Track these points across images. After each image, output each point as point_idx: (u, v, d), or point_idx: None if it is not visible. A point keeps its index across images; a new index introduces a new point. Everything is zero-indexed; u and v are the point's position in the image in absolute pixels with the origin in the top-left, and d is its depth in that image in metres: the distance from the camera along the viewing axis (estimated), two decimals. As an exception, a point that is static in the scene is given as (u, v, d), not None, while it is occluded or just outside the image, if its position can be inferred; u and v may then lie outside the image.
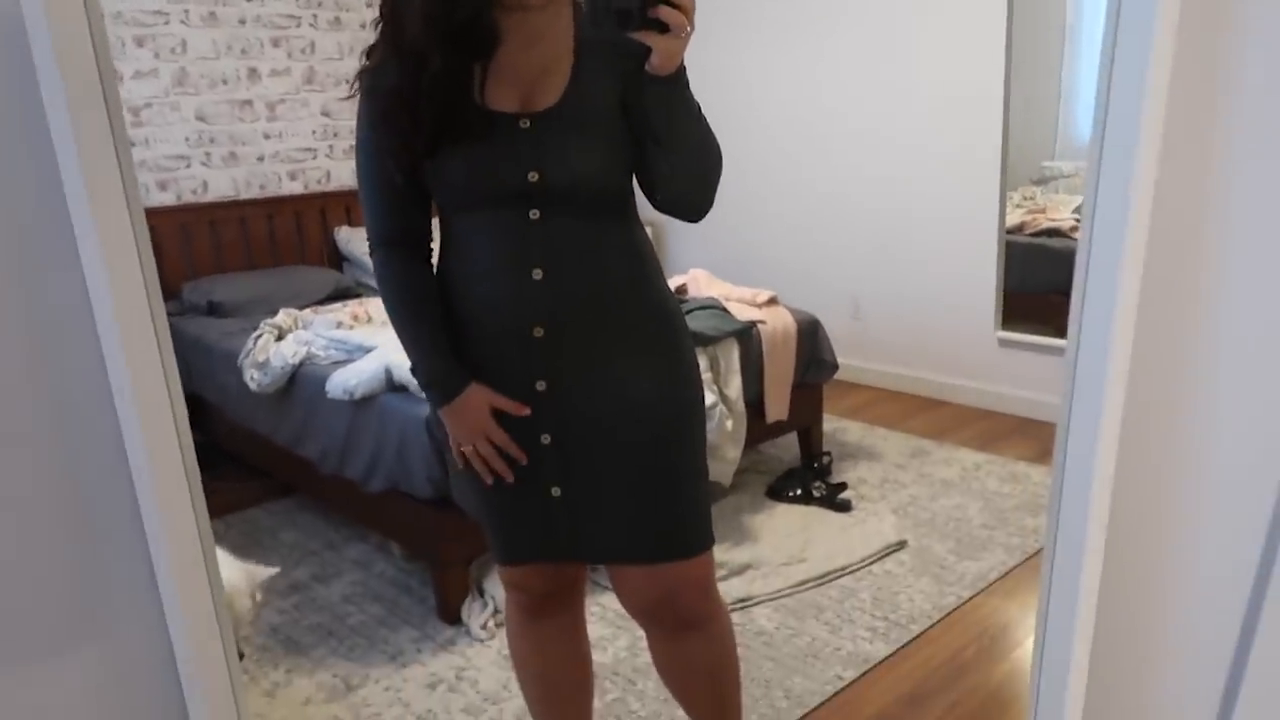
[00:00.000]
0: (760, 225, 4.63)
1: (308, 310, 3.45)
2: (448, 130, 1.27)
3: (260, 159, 4.18)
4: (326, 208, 4.37)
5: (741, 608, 2.50)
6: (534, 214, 1.29)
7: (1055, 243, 3.93)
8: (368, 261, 1.45)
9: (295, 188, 4.32)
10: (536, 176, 1.27)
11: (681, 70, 1.22)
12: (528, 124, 1.28)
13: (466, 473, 1.44)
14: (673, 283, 3.31)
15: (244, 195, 4.15)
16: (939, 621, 2.42)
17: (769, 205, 4.57)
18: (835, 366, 3.37)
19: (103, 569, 1.20)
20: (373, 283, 1.45)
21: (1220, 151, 0.78)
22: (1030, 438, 3.66)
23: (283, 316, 3.22)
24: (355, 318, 3.33)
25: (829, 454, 3.44)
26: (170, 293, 3.58)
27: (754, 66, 4.45)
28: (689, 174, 1.31)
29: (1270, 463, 0.80)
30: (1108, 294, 0.77)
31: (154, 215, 3.52)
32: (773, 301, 3.28)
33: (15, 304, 1.09)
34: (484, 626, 2.44)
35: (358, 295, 3.92)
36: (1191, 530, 0.85)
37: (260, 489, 3.42)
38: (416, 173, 1.32)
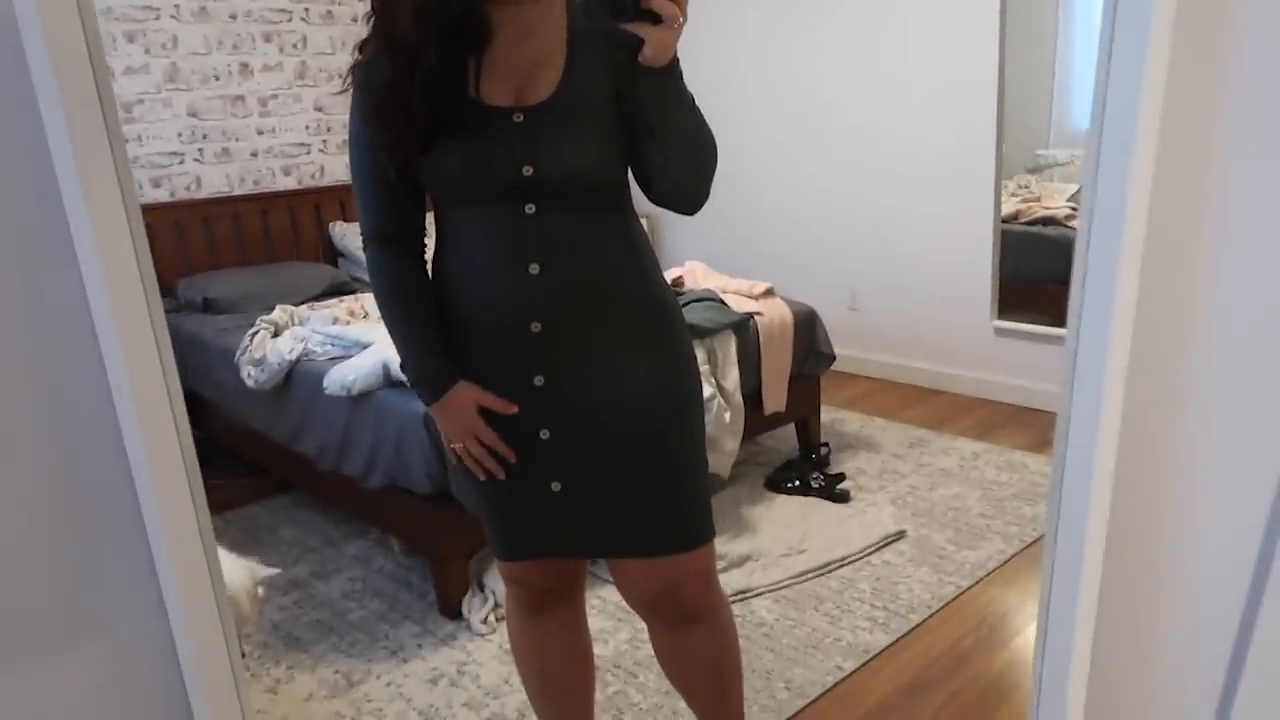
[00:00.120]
0: (756, 217, 4.62)
1: (304, 306, 3.43)
2: (441, 125, 1.26)
3: (253, 155, 4.17)
4: (321, 203, 4.35)
5: (741, 599, 2.50)
6: (529, 208, 1.28)
7: (1050, 231, 3.93)
8: (363, 257, 1.45)
9: (289, 183, 4.30)
10: (530, 170, 1.26)
11: (675, 62, 1.21)
12: (521, 118, 1.27)
13: (463, 468, 1.44)
14: (669, 275, 3.31)
15: (238, 191, 4.14)
16: (938, 611, 2.43)
17: (765, 197, 4.57)
18: (832, 357, 3.37)
19: (104, 567, 1.20)
20: (368, 278, 1.45)
21: (1218, 141, 0.78)
22: (1027, 426, 3.67)
23: (279, 313, 3.22)
24: (351, 313, 3.32)
25: (827, 445, 3.44)
26: (165, 290, 3.51)
27: (748, 58, 4.44)
28: (684, 166, 1.30)
29: (1271, 450, 0.80)
30: (1107, 284, 0.77)
31: (148, 212, 3.50)
32: (769, 293, 3.28)
33: (13, 303, 1.08)
34: (484, 621, 2.44)
35: (353, 291, 3.91)
36: (1192, 519, 0.86)
37: (258, 486, 3.42)
38: (410, 167, 1.32)
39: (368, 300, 3.52)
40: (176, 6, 3.83)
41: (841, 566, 2.67)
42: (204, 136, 4.00)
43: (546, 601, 1.61)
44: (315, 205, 4.34)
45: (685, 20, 1.15)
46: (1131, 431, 0.84)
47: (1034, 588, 2.52)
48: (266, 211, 4.18)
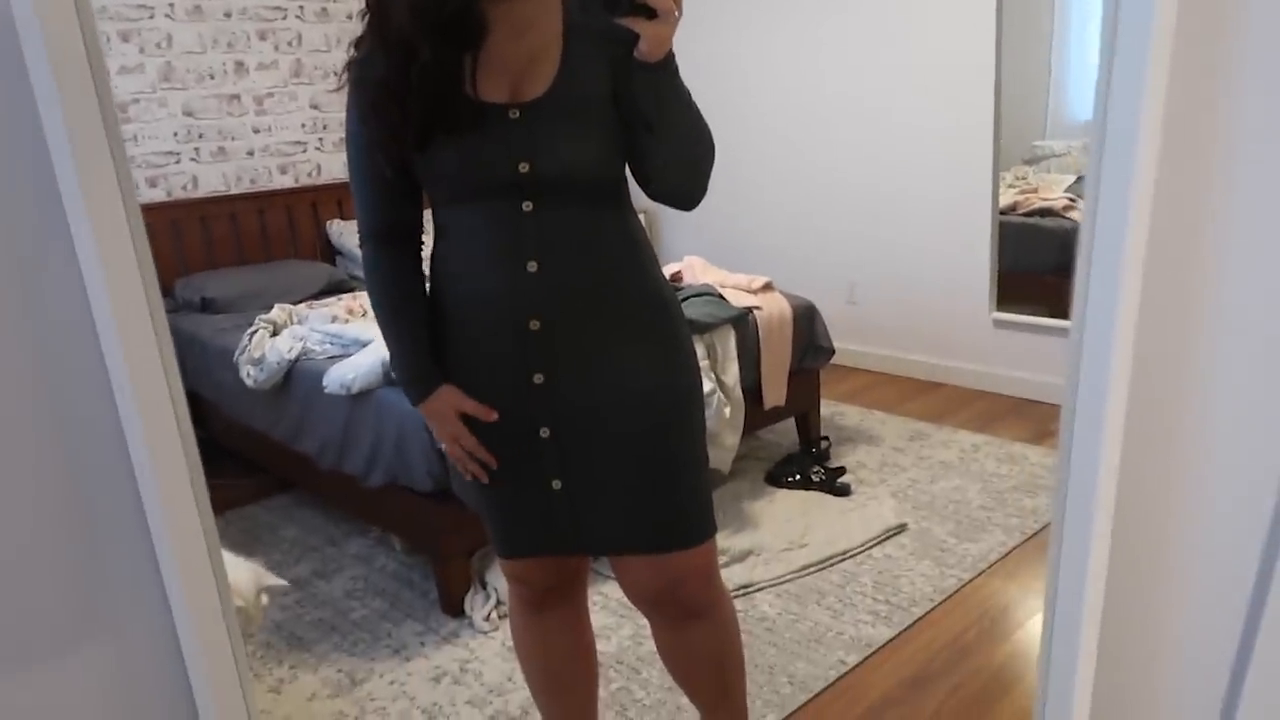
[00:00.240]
0: (754, 211, 4.62)
1: (302, 305, 3.43)
2: (437, 122, 1.25)
3: (250, 153, 4.16)
4: (318, 201, 4.35)
5: (743, 594, 2.50)
6: (526, 206, 1.28)
7: (1048, 222, 3.93)
8: (360, 255, 1.45)
9: (286, 181, 4.30)
10: (527, 167, 1.26)
11: (670, 57, 1.21)
12: (517, 114, 1.26)
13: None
14: (667, 270, 3.31)
15: (234, 190, 4.13)
16: (940, 604, 2.43)
17: (763, 192, 4.56)
18: (832, 351, 3.37)
19: (108, 567, 1.19)
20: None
21: (1223, 129, 0.78)
22: (1026, 418, 3.67)
23: (277, 312, 3.21)
24: (350, 312, 3.32)
25: (827, 439, 3.44)
26: (163, 290, 3.52)
27: (745, 53, 4.43)
28: (681, 161, 1.30)
29: (1276, 442, 0.80)
30: (1111, 276, 0.77)
31: (145, 212, 3.44)
32: (768, 287, 3.27)
33: (13, 304, 1.08)
34: (487, 618, 2.44)
35: (352, 289, 3.91)
36: (1198, 510, 0.86)
37: (258, 485, 3.42)
38: (406, 165, 1.31)
39: (366, 298, 3.51)
40: (171, 5, 3.82)
41: (843, 560, 2.67)
42: (200, 136, 3.99)
43: (549, 599, 1.60)
44: (312, 203, 4.33)
45: (680, 15, 1.15)
46: (1136, 423, 0.84)
47: (1035, 580, 2.52)
48: (263, 210, 4.17)
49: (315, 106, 4.33)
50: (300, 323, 3.15)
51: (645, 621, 1.63)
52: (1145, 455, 0.85)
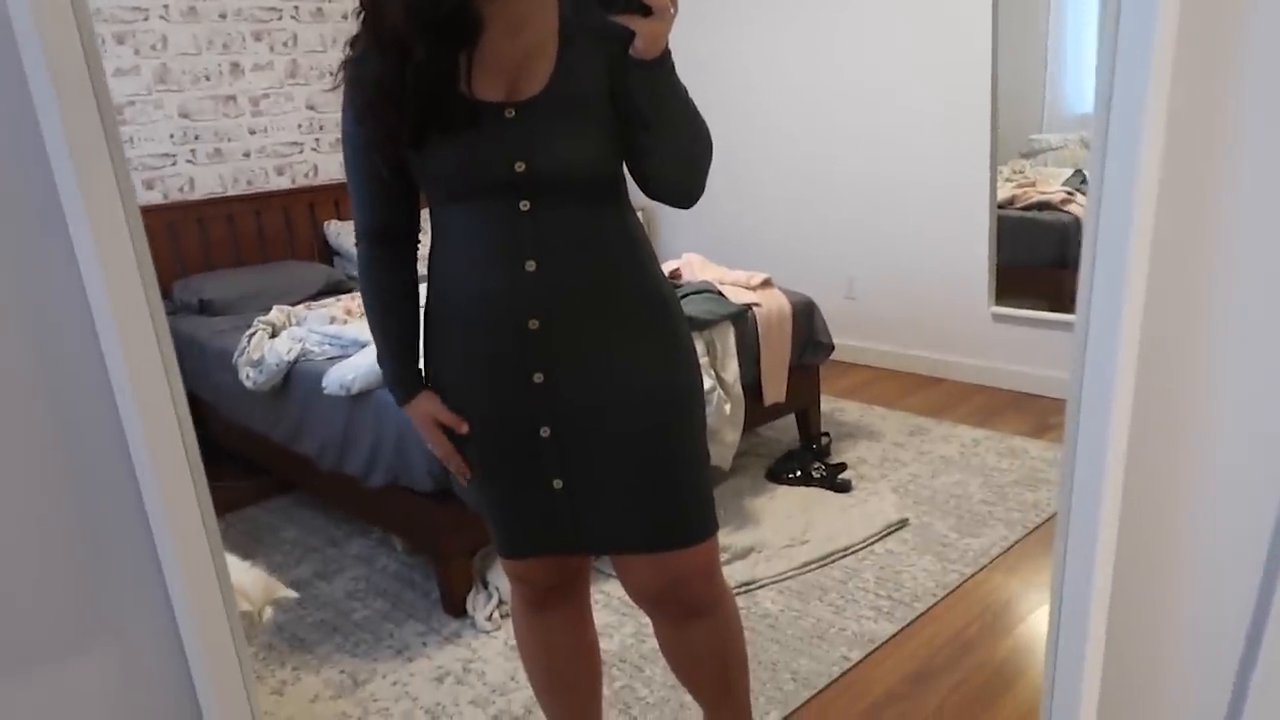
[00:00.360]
0: (753, 208, 4.62)
1: (300, 306, 3.43)
2: (432, 121, 1.25)
3: (246, 155, 4.15)
4: (315, 202, 4.34)
5: (745, 591, 2.50)
6: (524, 205, 1.27)
7: (1046, 216, 3.93)
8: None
9: (283, 183, 4.29)
10: (523, 166, 1.25)
11: (666, 54, 1.20)
12: (513, 113, 1.26)
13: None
14: (666, 268, 3.30)
15: (231, 192, 4.12)
16: (943, 599, 2.43)
17: (761, 188, 4.56)
18: (831, 347, 3.37)
19: (110, 569, 1.19)
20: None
21: (1228, 119, 0.78)
22: (1026, 412, 3.67)
23: (276, 313, 3.21)
24: (349, 312, 3.31)
25: (828, 435, 3.44)
26: (161, 292, 3.54)
27: (743, 50, 4.43)
28: (678, 159, 1.29)
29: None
30: (1117, 270, 0.76)
31: (142, 214, 3.49)
32: (767, 284, 3.27)
33: (14, 306, 1.08)
34: (489, 618, 2.44)
35: (349, 290, 3.90)
36: (1205, 504, 0.85)
37: (259, 487, 3.41)
38: (402, 165, 1.31)
39: (364, 299, 3.51)
40: (165, 7, 3.81)
41: (845, 556, 2.67)
42: (196, 137, 3.98)
43: (551, 598, 1.60)
44: (309, 204, 4.32)
45: (676, 12, 1.15)
46: (1141, 415, 0.84)
47: (1038, 574, 2.52)
48: (260, 212, 4.16)
49: (311, 107, 4.32)
50: (299, 324, 3.14)
51: (648, 620, 1.63)
52: (1151, 447, 0.85)
